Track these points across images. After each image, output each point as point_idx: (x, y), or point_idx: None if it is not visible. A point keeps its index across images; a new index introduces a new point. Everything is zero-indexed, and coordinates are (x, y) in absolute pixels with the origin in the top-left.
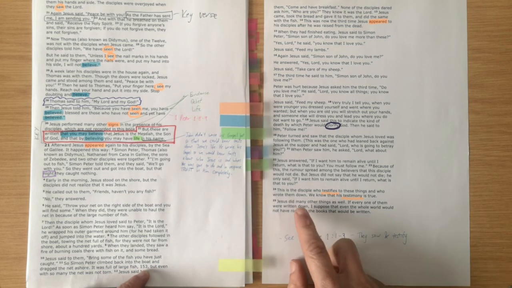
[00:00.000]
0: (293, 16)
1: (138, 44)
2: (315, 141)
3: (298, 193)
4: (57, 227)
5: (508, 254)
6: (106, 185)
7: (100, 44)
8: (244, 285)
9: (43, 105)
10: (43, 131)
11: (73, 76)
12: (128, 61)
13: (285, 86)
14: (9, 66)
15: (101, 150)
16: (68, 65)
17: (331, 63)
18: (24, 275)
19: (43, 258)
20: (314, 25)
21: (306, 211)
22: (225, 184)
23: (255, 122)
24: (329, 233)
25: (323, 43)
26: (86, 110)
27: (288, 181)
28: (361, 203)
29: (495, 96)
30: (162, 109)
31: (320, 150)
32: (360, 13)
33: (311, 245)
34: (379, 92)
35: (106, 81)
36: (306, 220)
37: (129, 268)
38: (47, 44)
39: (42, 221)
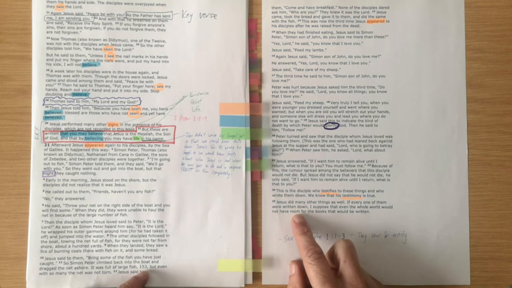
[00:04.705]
0: (291, 17)
1: (138, 44)
2: (314, 141)
3: (297, 193)
4: (56, 227)
5: (508, 254)
6: (106, 185)
7: (100, 44)
8: (243, 285)
9: (43, 105)
10: (43, 131)
11: (73, 76)
12: (128, 61)
13: (284, 87)
14: (9, 66)
15: (101, 150)
16: (68, 65)
17: (329, 63)
18: (24, 275)
19: (43, 258)
20: (312, 26)
21: (303, 218)
22: (225, 185)
23: (255, 122)
24: (329, 233)
25: (321, 44)
26: (86, 110)
27: (287, 182)
28: (361, 203)
29: (495, 96)
30: (162, 109)
31: (319, 150)
32: (358, 13)
33: (309, 251)
34: (378, 92)
35: (106, 81)
36: (303, 227)
37: (129, 268)
38: (47, 44)
39: (42, 221)
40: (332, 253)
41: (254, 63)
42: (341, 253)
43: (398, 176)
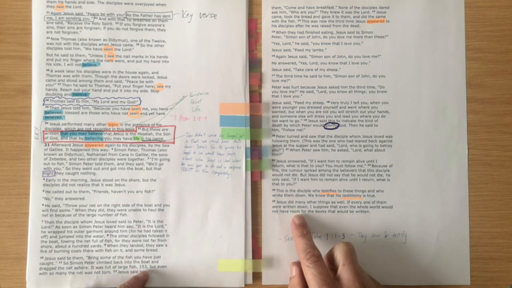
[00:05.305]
0: (291, 17)
1: (138, 44)
2: (314, 141)
3: (297, 193)
4: (56, 227)
5: (508, 254)
6: (106, 185)
7: (100, 44)
8: (243, 285)
9: (43, 105)
10: (43, 131)
11: (73, 76)
12: (128, 61)
13: (284, 87)
14: (9, 66)
15: (101, 150)
16: (68, 65)
17: (329, 63)
18: (24, 275)
19: (43, 258)
20: (312, 26)
21: (303, 219)
22: (225, 185)
23: (255, 122)
24: (329, 233)
25: (321, 44)
26: (86, 110)
27: (287, 182)
28: (361, 203)
29: (495, 96)
30: (162, 109)
31: (319, 150)
32: (358, 13)
33: (307, 254)
34: (378, 92)
35: (106, 81)
36: (303, 229)
37: (128, 268)
38: (47, 44)
39: (42, 221)
40: (332, 255)
41: (254, 63)
42: (340, 257)
43: (398, 176)
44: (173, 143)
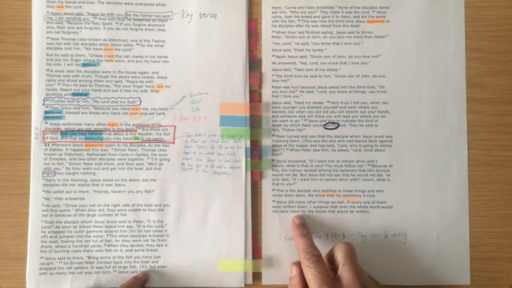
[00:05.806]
0: (291, 17)
1: (138, 44)
2: (314, 141)
3: (297, 193)
4: (56, 227)
5: (508, 254)
6: (106, 185)
7: (100, 44)
8: (243, 285)
9: (43, 105)
10: (43, 131)
11: (73, 76)
12: (128, 61)
13: (284, 87)
14: (9, 66)
15: (101, 150)
16: (68, 65)
17: (329, 63)
18: (24, 275)
19: (43, 258)
20: (312, 26)
21: (303, 219)
22: (225, 185)
23: (255, 122)
24: (329, 233)
25: (321, 44)
26: (86, 110)
27: (287, 182)
28: (361, 203)
29: (495, 96)
30: (162, 109)
31: (319, 150)
32: (358, 13)
33: (307, 254)
34: (378, 92)
35: (106, 81)
36: (303, 229)
37: (128, 268)
38: (47, 44)
39: (42, 221)
40: (332, 255)
41: (254, 63)
42: (340, 257)
43: (398, 176)
44: (173, 143)
